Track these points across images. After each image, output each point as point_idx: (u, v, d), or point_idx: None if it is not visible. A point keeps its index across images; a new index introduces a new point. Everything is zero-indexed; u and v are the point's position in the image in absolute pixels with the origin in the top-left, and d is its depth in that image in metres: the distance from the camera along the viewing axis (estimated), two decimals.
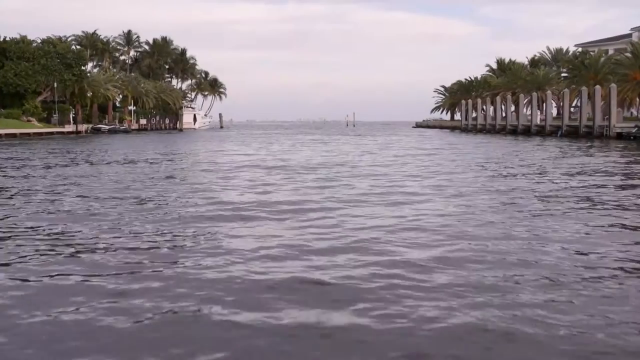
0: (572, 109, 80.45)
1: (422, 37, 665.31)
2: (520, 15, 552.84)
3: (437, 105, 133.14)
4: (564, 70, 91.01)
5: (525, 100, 78.07)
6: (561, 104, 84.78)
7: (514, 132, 74.72)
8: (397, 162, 28.37)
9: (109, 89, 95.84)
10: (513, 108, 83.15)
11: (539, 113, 71.00)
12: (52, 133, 74.55)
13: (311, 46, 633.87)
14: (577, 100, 71.98)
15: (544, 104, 71.98)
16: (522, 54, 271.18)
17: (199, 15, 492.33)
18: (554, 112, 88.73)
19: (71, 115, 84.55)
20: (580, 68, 71.45)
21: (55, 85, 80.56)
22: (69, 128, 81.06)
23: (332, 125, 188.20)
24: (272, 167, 24.76)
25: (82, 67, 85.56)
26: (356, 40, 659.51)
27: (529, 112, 77.13)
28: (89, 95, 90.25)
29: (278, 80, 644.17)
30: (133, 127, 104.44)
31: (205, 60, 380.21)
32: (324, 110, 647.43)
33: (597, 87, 57.45)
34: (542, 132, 67.61)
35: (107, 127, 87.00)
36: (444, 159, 30.46)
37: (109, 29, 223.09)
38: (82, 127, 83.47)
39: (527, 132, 71.38)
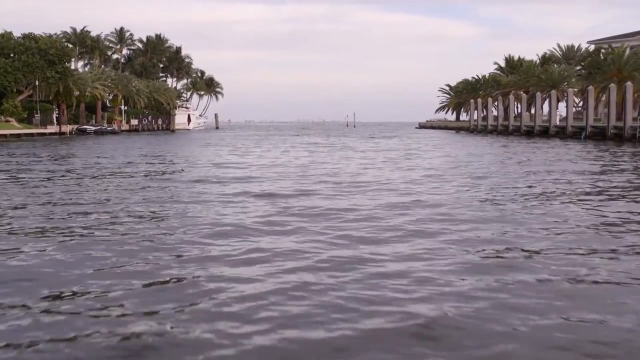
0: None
1: (421, 38, 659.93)
2: (519, 15, 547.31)
3: (442, 105, 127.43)
4: (578, 67, 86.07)
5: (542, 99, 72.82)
6: (581, 102, 79.85)
7: (529, 133, 69.30)
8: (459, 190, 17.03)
9: (97, 88, 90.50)
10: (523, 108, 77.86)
11: (558, 113, 65.58)
12: (32, 134, 69.28)
13: (310, 46, 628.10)
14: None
15: (559, 103, 66.79)
16: (522, 53, 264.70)
17: (197, 15, 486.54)
18: (563, 112, 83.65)
19: (54, 116, 79.13)
20: (601, 64, 66.12)
21: (37, 83, 75.18)
22: (52, 129, 75.77)
23: (331, 126, 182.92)
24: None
25: (67, 64, 79.86)
26: (355, 41, 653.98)
27: (540, 112, 71.72)
28: (75, 94, 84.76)
29: (277, 80, 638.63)
30: (123, 128, 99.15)
31: (203, 60, 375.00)
32: (323, 110, 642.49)
33: (629, 83, 52.03)
34: (561, 133, 62.19)
35: (93, 128, 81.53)
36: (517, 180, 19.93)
37: (105, 30, 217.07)
38: (67, 128, 78.15)
39: (544, 133, 66.00)
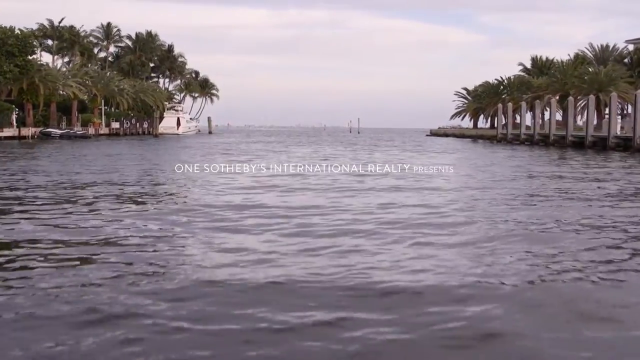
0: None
1: (422, 44, 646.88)
2: (518, 24, 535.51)
3: (457, 110, 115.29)
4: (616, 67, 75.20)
5: (583, 105, 61.46)
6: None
7: (576, 145, 57.55)
8: None
9: (70, 86, 79.07)
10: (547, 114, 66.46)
11: (619, 121, 53.95)
12: None
13: (311, 52, 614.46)
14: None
15: (618, 110, 55.26)
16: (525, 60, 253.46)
17: (199, 20, 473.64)
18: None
19: (14, 117, 67.72)
20: None
21: None
22: (9, 132, 64.40)
23: (332, 132, 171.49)
24: None
25: (29, 57, 68.35)
26: (357, 47, 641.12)
27: (592, 119, 60.12)
28: (44, 92, 73.14)
29: (277, 85, 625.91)
30: (102, 132, 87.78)
31: (204, 64, 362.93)
32: (323, 116, 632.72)
33: None
34: (622, 146, 50.30)
35: (59, 131, 70.03)
36: None
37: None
38: (28, 132, 66.75)
39: (596, 145, 54.26)
